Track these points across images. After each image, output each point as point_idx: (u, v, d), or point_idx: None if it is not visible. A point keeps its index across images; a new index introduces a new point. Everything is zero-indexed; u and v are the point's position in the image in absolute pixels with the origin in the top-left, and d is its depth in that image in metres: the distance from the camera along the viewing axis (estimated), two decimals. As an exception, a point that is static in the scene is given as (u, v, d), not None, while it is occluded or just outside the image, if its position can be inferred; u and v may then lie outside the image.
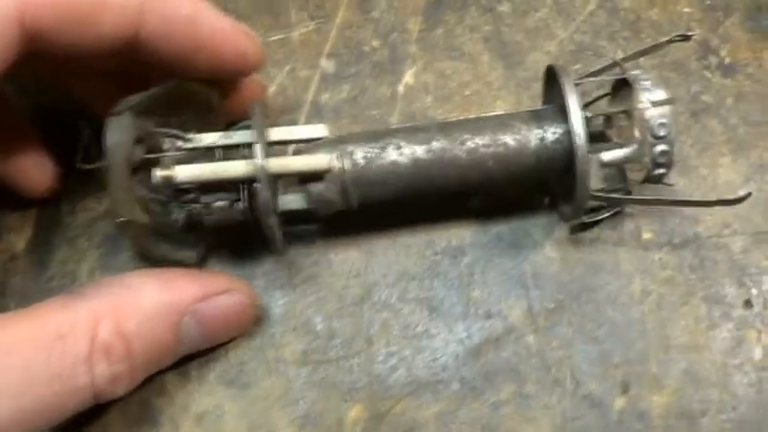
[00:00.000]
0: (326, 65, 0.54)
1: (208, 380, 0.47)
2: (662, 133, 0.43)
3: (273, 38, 0.55)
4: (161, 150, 0.45)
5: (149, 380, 0.44)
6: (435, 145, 0.44)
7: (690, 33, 0.48)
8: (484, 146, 0.44)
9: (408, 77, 0.53)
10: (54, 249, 0.50)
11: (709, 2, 0.54)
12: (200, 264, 0.48)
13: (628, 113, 0.46)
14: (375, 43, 0.54)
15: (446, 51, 0.53)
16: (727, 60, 0.52)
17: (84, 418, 0.45)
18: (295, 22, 0.55)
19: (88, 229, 0.50)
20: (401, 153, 0.44)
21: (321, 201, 0.44)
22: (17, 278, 0.49)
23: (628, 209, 0.49)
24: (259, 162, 0.42)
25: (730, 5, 0.54)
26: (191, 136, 0.45)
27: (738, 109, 0.51)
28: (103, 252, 0.50)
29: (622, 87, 0.47)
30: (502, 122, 0.45)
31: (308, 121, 0.52)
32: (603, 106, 0.48)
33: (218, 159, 0.44)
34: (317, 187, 0.44)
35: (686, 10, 0.54)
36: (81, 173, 0.48)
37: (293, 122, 0.52)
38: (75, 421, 0.45)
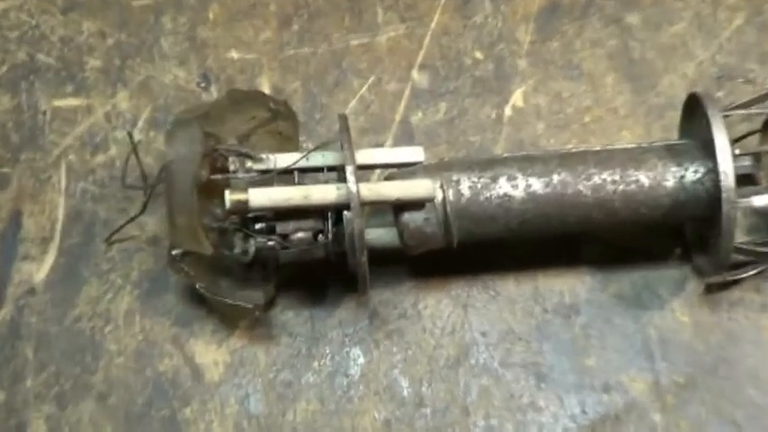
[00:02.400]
0: (419, 78, 0.64)
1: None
2: None
3: (355, 42, 0.65)
4: (224, 171, 0.55)
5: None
6: (555, 178, 0.54)
7: None
8: (612, 182, 0.54)
9: (517, 98, 0.63)
10: (81, 283, 0.60)
11: None
12: (265, 308, 0.57)
13: None
14: (478, 54, 0.65)
15: (562, 69, 0.64)
16: None
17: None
18: (382, 24, 0.65)
19: (125, 262, 0.60)
20: (515, 185, 0.54)
21: (418, 234, 0.54)
22: (34, 318, 0.59)
23: None
24: (351, 186, 0.51)
25: None
26: (262, 156, 0.55)
27: None
28: (144, 291, 0.60)
29: None
30: (633, 157, 0.54)
31: (395, 146, 0.62)
32: (753, 144, 0.58)
33: (297, 184, 0.54)
34: (413, 219, 0.53)
35: None
36: (119, 190, 0.59)
37: (378, 146, 0.62)
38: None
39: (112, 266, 0.60)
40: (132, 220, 0.59)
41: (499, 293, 0.59)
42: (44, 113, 0.64)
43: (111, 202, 0.62)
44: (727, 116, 0.54)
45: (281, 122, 0.58)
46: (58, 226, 0.61)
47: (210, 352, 0.58)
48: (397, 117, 0.63)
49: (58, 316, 0.59)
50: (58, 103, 0.65)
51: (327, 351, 0.58)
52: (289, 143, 0.59)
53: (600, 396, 0.56)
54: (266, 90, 0.63)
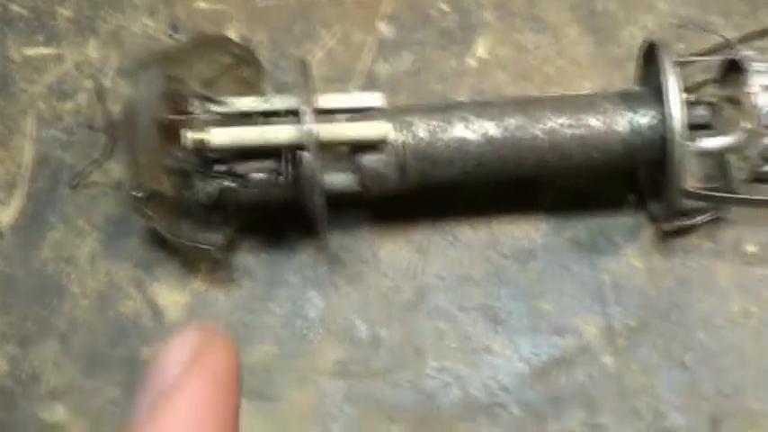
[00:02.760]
0: (384, 29, 0.65)
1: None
2: None
3: (322, -9, 0.66)
4: (188, 114, 0.56)
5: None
6: (510, 122, 0.55)
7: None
8: (566, 126, 0.55)
9: (481, 49, 0.64)
10: (47, 228, 0.61)
11: None
12: (226, 250, 0.58)
13: (736, 101, 0.56)
14: (444, 6, 0.66)
15: (527, 21, 0.65)
16: None
17: None
18: (348, -28, 0.66)
19: (90, 207, 0.61)
20: (470, 129, 0.55)
21: (374, 176, 0.55)
22: (1, 260, 0.61)
23: (730, 214, 0.59)
24: (308, 127, 0.53)
25: None
26: (225, 99, 0.56)
27: None
28: (108, 235, 0.61)
29: (732, 72, 0.57)
30: (588, 102, 0.56)
31: (359, 95, 0.63)
32: (710, 91, 0.59)
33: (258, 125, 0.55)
34: (371, 160, 0.55)
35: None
36: (86, 137, 0.60)
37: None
38: None
39: (78, 211, 0.61)
40: (97, 162, 0.60)
41: (457, 239, 0.60)
42: (14, 62, 0.65)
43: (79, 148, 0.63)
44: (681, 63, 0.56)
45: (244, 69, 0.59)
46: (26, 172, 0.62)
47: (172, 294, 0.60)
48: (363, 67, 0.64)
49: (24, 259, 0.60)
50: (28, 51, 0.66)
51: (286, 294, 0.59)
52: (252, 90, 0.59)
53: (553, 339, 0.58)
54: (233, 38, 0.64)
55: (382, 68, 0.64)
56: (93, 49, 0.66)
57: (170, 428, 0.35)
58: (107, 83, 0.64)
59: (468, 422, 0.56)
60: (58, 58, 0.66)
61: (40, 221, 0.61)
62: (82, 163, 0.62)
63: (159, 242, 0.60)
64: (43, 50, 0.66)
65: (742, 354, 0.57)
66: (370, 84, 0.64)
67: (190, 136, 0.54)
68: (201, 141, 0.54)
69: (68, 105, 0.64)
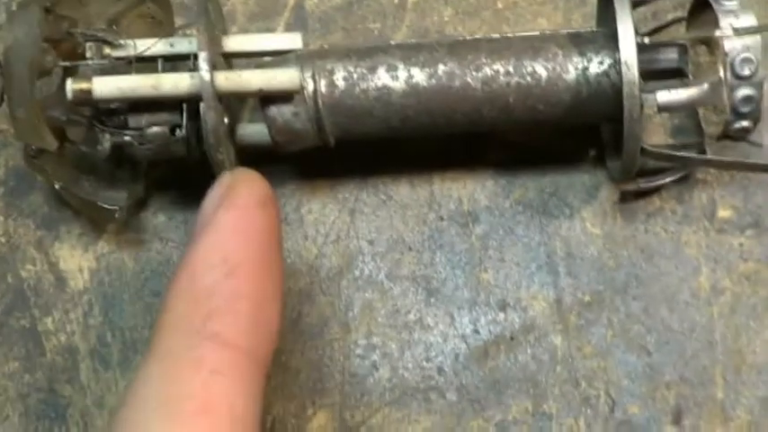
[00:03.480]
0: (317, -43, 0.59)
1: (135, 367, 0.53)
2: (746, 72, 0.48)
3: None
4: (82, 57, 0.50)
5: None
6: (441, 69, 0.49)
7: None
8: (505, 74, 0.49)
9: (424, -19, 0.58)
10: None
11: None
12: (131, 210, 0.54)
13: (709, 43, 0.50)
14: (382, -66, 0.59)
15: None
16: None
17: None
18: None
19: None
20: (395, 76, 0.49)
21: (285, 130, 0.50)
22: None
23: (700, 174, 0.54)
24: (204, 75, 0.47)
25: None
26: (122, 41, 0.50)
27: None
28: (9, 189, 0.56)
29: (704, 10, 0.51)
30: (532, 45, 0.50)
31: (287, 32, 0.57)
32: (678, 32, 0.53)
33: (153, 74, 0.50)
34: (281, 112, 0.49)
35: None
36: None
37: (268, 33, 0.58)
38: None
39: None
40: None
41: (391, 198, 0.55)
42: None
43: None
44: (641, 2, 0.50)
45: (150, 5, 0.54)
46: None
47: (76, 257, 0.55)
48: (291, 1, 0.58)
49: None
50: None
51: (200, 258, 0.54)
52: (162, 28, 0.54)
53: (495, 314, 0.53)
54: None
55: (313, 3, 0.58)
56: None
57: (202, 257, 0.42)
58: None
59: (398, 408, 0.52)
60: None
61: None
62: None
63: (58, 202, 0.56)
64: None
65: (711, 335, 0.52)
66: (298, 21, 0.58)
67: (71, 86, 0.48)
68: (83, 91, 0.48)
69: None
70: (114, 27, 0.53)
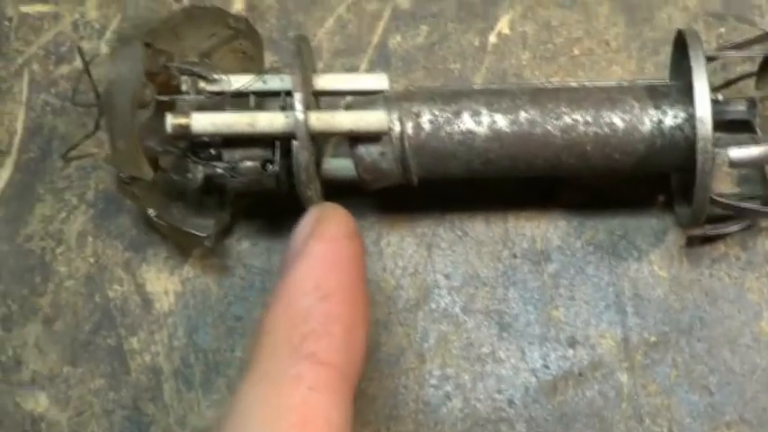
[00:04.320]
0: (400, -1, 0.62)
1: (216, 388, 0.56)
2: None
3: (332, -46, 0.63)
4: (178, 91, 0.53)
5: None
6: (523, 116, 0.51)
7: None
8: (584, 124, 0.51)
9: (503, 25, 0.60)
10: (35, 200, 0.59)
11: None
12: (217, 237, 0.56)
13: None
14: (465, -24, 0.62)
15: None
16: None
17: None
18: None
19: (82, 181, 0.59)
20: (478, 122, 0.51)
21: (372, 169, 0.52)
22: None
23: (764, 223, 0.56)
24: (298, 115, 0.50)
25: None
26: (217, 76, 0.53)
27: None
28: (98, 212, 0.59)
29: None
30: (610, 97, 0.52)
31: (370, 71, 0.60)
32: (749, 87, 0.55)
33: (251, 109, 0.52)
34: (369, 152, 0.52)
35: None
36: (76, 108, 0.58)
37: (352, 70, 0.60)
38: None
39: (68, 184, 0.60)
40: (86, 138, 0.58)
41: (467, 234, 0.57)
42: (10, 20, 0.63)
43: (73, 116, 0.61)
44: (714, 57, 0.53)
45: (243, 41, 0.56)
46: (17, 139, 0.60)
47: (162, 280, 0.58)
48: (375, 39, 0.61)
49: (9, 233, 0.59)
50: (24, 8, 0.63)
51: (280, 284, 0.56)
52: (252, 63, 0.57)
53: (565, 351, 0.55)
54: (240, 5, 0.62)
55: (396, 42, 0.61)
56: (91, 8, 0.63)
57: (297, 284, 0.44)
58: (105, 47, 0.61)
59: (468, 437, 0.54)
60: (55, 17, 0.63)
61: (28, 193, 0.60)
62: (75, 132, 0.60)
63: (148, 227, 0.58)
64: (40, 8, 0.63)
65: None
66: (382, 58, 0.61)
67: (171, 121, 0.51)
68: (182, 126, 0.51)
69: (64, 69, 0.62)
70: (206, 60, 0.56)
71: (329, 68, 0.60)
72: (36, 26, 0.63)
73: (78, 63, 0.61)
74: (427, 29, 0.61)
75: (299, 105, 0.50)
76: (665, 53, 0.57)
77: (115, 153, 0.52)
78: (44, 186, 0.59)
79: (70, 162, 0.60)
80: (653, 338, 0.55)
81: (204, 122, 0.51)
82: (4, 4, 0.63)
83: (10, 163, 0.60)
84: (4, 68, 0.62)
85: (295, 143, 0.50)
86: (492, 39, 0.60)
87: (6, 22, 0.63)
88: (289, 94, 0.52)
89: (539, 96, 0.52)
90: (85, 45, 0.61)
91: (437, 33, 0.60)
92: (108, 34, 0.62)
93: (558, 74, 0.59)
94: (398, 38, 0.61)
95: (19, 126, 0.61)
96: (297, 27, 0.61)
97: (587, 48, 0.60)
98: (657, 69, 0.59)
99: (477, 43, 0.60)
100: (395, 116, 0.51)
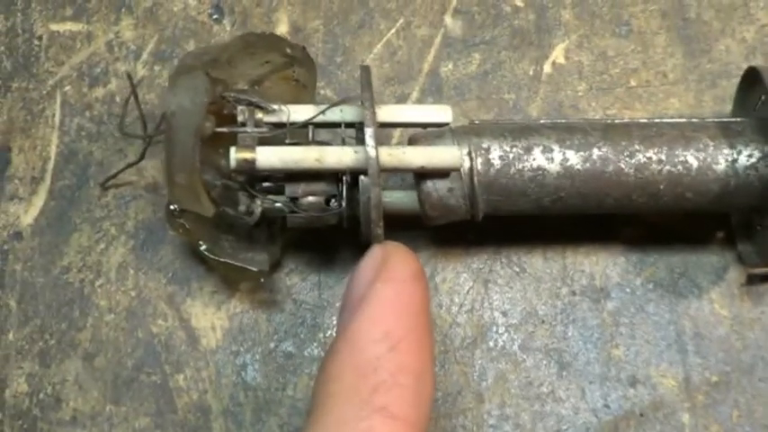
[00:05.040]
0: (452, 24, 0.61)
1: (268, 428, 0.54)
2: None
3: (383, -20, 0.62)
4: (233, 121, 0.52)
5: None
6: (596, 153, 0.51)
7: None
8: (657, 162, 0.51)
9: (558, 54, 0.60)
10: (72, 230, 0.57)
11: None
12: (270, 272, 0.55)
13: None
14: (518, 2, 0.61)
15: (610, 24, 0.60)
16: None
17: None
18: (414, -38, 0.62)
19: (120, 210, 0.58)
20: (550, 158, 0.51)
21: (441, 206, 0.51)
22: (19, 265, 0.57)
23: None
24: (370, 151, 0.48)
25: None
26: (275, 107, 0.52)
27: None
28: (139, 243, 0.57)
29: None
30: (684, 134, 0.52)
31: (421, 99, 0.59)
32: None
33: (310, 141, 0.51)
34: (436, 188, 0.51)
35: None
36: (112, 133, 0.57)
37: (402, 98, 0.59)
38: None
39: (106, 213, 0.58)
40: (129, 166, 0.56)
41: (524, 270, 0.56)
42: (40, 38, 0.61)
43: (109, 141, 0.59)
44: None
45: (297, 69, 0.55)
46: (50, 165, 0.59)
47: (208, 315, 0.56)
48: (426, 67, 0.60)
49: (45, 265, 0.57)
50: (55, 27, 0.62)
51: (335, 322, 0.55)
52: (305, 91, 0.56)
53: (625, 390, 0.54)
54: (285, 27, 0.61)
55: (448, 70, 0.60)
56: (127, 28, 0.62)
57: (364, 330, 0.44)
58: (141, 69, 0.60)
59: (527, 478, 0.54)
60: (88, 37, 0.62)
61: (64, 223, 0.58)
62: (112, 157, 0.59)
63: (197, 254, 0.57)
64: (72, 27, 0.62)
65: None
66: (433, 87, 0.60)
67: (235, 155, 0.49)
68: (248, 161, 0.49)
69: (99, 92, 0.60)
70: (256, 88, 0.54)
71: (379, 96, 0.59)
72: (68, 46, 0.61)
73: (114, 86, 0.59)
74: (479, 56, 0.60)
75: (370, 141, 0.48)
76: (723, 86, 0.58)
77: (173, 187, 0.50)
78: (80, 216, 0.58)
79: (108, 190, 0.58)
80: (714, 378, 0.54)
81: (270, 157, 0.49)
82: (33, 21, 0.61)
83: (44, 190, 0.58)
84: (35, 90, 0.60)
85: (364, 179, 0.49)
86: (547, 68, 0.60)
87: (36, 42, 0.61)
88: (348, 125, 0.51)
89: (610, 132, 0.51)
90: (121, 67, 0.60)
91: (490, 62, 0.60)
92: (145, 56, 0.60)
93: (614, 105, 0.59)
94: (450, 65, 0.60)
95: (52, 152, 0.59)
96: (344, 52, 0.60)
97: (644, 79, 0.59)
98: (716, 103, 0.59)
99: (531, 73, 0.60)
100: (464, 151, 0.50)
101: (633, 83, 0.59)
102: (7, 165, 0.59)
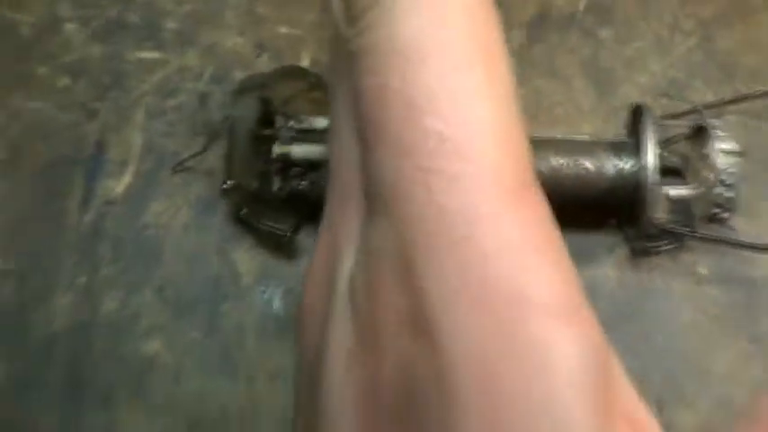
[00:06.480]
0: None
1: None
2: (728, 181, 0.70)
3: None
4: (274, 126, 0.73)
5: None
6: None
7: (774, 89, 0.76)
8: (566, 166, 0.71)
9: (504, 90, 0.80)
10: (150, 201, 0.78)
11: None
12: (292, 233, 0.75)
13: (702, 156, 0.73)
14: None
15: (543, 70, 0.80)
16: (814, 117, 0.78)
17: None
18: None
19: (185, 187, 0.78)
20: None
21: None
22: (111, 222, 0.77)
23: (689, 242, 0.75)
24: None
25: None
26: (302, 117, 0.73)
27: (815, 167, 0.78)
28: (197, 211, 0.77)
29: (702, 133, 0.74)
30: (585, 148, 0.71)
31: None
32: (683, 145, 0.75)
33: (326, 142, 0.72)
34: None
35: (782, 61, 0.80)
36: (185, 129, 0.77)
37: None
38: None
39: (175, 190, 0.77)
40: (196, 155, 0.76)
41: None
42: (129, 62, 0.81)
43: (178, 138, 0.79)
44: (659, 125, 0.72)
45: (316, 92, 0.76)
46: (135, 154, 0.78)
47: (246, 262, 0.75)
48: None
49: (130, 223, 0.76)
50: (140, 54, 0.82)
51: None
52: (321, 107, 0.76)
53: None
54: (306, 61, 0.80)
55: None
56: (192, 58, 0.81)
57: None
58: (202, 86, 0.80)
59: None
60: (164, 63, 0.81)
61: (145, 195, 0.77)
62: (180, 150, 0.78)
63: (238, 223, 0.76)
64: (152, 55, 0.82)
65: (686, 353, 0.72)
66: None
67: (277, 149, 0.71)
68: (285, 154, 0.71)
69: (171, 102, 0.80)
70: (287, 104, 0.76)
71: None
72: (149, 68, 0.81)
73: (183, 99, 0.80)
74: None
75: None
76: (622, 116, 0.75)
77: (232, 168, 0.71)
78: (156, 190, 0.77)
79: (177, 173, 0.78)
80: (602, 321, 0.70)
81: (300, 151, 0.71)
82: (124, 50, 0.82)
83: (130, 171, 0.77)
84: (124, 100, 0.80)
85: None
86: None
87: (126, 64, 0.81)
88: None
89: (536, 145, 0.69)
90: (187, 85, 0.80)
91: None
92: (205, 78, 0.81)
93: (541, 127, 0.77)
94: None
95: (137, 145, 0.78)
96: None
97: (566, 110, 0.78)
98: (617, 128, 0.76)
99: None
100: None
101: (557, 112, 0.78)
102: (104, 153, 0.78)
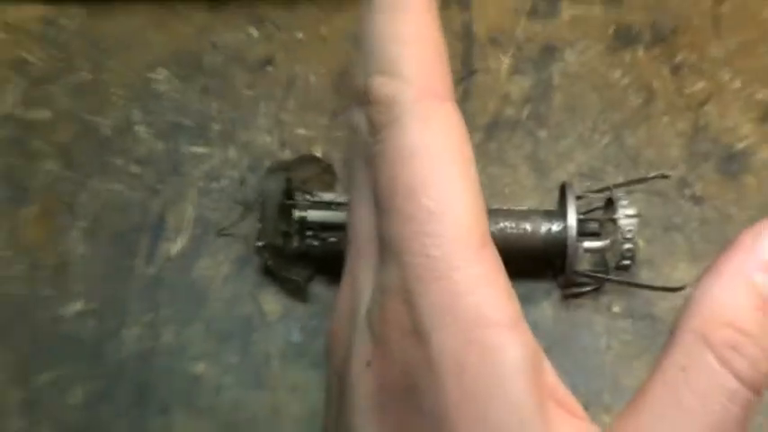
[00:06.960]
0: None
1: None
2: (629, 236, 0.88)
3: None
4: (294, 198, 0.93)
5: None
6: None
7: (668, 174, 0.97)
8: (510, 228, 0.89)
9: (467, 175, 1.00)
10: (199, 258, 0.88)
11: (692, 149, 0.89)
12: (306, 281, 0.93)
13: (612, 220, 0.97)
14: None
15: (496, 161, 0.91)
16: (699, 193, 0.88)
17: None
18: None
19: (226, 248, 0.88)
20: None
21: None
22: (169, 274, 0.92)
23: (605, 287, 0.84)
24: (364, 216, 0.92)
25: (709, 153, 0.89)
26: (316, 193, 0.93)
27: (701, 230, 0.87)
28: (236, 267, 0.88)
29: (612, 202, 0.97)
30: (525, 215, 0.88)
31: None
32: (599, 213, 0.94)
33: (334, 211, 0.93)
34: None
35: (675, 153, 0.90)
36: (226, 205, 0.99)
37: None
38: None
39: (218, 250, 0.90)
40: (234, 224, 0.92)
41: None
42: (184, 154, 0.94)
43: (222, 211, 0.89)
44: (581, 197, 0.89)
45: (326, 175, 0.93)
46: (189, 223, 0.91)
47: (271, 304, 0.88)
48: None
49: (183, 275, 0.88)
50: (193, 149, 0.93)
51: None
52: (329, 185, 0.93)
53: None
54: (320, 152, 0.90)
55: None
56: (232, 152, 0.92)
57: None
58: (241, 173, 0.96)
59: None
60: (211, 156, 0.93)
61: (195, 254, 0.89)
62: (223, 220, 0.88)
63: (266, 273, 0.87)
64: (201, 149, 0.94)
65: (604, 370, 0.83)
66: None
67: (296, 214, 0.89)
68: (303, 218, 0.89)
69: (216, 185, 0.93)
70: (304, 184, 0.96)
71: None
72: (199, 159, 0.94)
73: (225, 183, 0.97)
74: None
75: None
76: (555, 194, 0.88)
77: (264, 231, 0.89)
78: (204, 250, 0.90)
79: (220, 237, 0.93)
80: (543, 347, 0.92)
81: (315, 215, 0.88)
82: (180, 144, 0.97)
83: (184, 237, 0.92)
84: (180, 183, 0.92)
85: (360, 229, 0.92)
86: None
87: (182, 156, 0.93)
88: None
89: (490, 213, 0.90)
90: (229, 172, 0.96)
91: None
92: (242, 166, 0.95)
93: (495, 201, 0.86)
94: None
95: (190, 216, 0.91)
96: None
97: (513, 189, 0.89)
98: (551, 203, 0.88)
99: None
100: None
101: (507, 191, 0.93)
102: (164, 222, 0.94)
